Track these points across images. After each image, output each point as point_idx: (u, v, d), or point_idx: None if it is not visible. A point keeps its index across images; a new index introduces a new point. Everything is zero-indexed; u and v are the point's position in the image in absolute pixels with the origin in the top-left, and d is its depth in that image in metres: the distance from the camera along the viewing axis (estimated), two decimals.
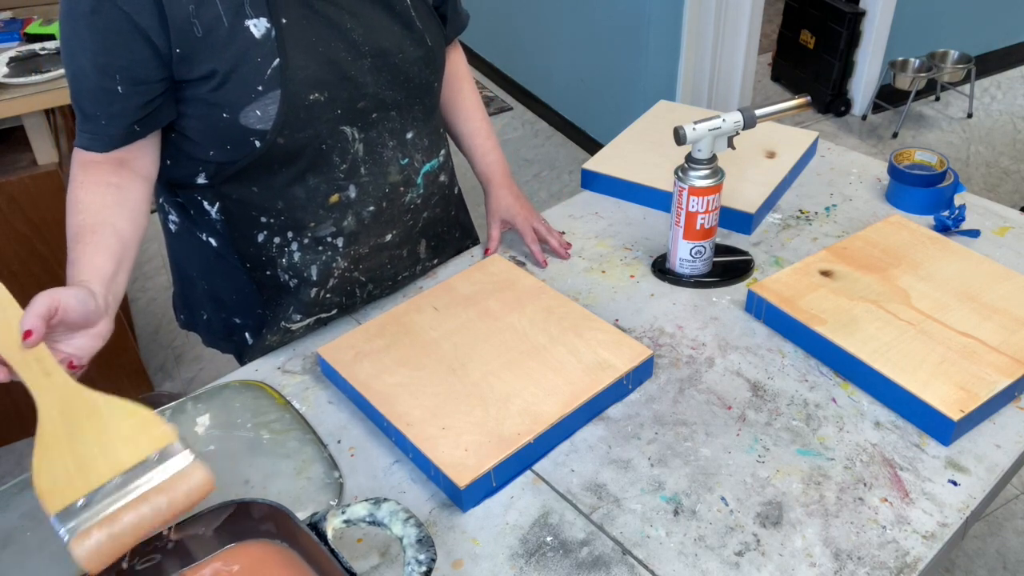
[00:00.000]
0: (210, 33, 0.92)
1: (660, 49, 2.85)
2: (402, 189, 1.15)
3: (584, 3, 3.09)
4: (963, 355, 1.03)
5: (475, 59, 4.07)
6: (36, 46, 1.97)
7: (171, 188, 1.11)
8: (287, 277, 1.14)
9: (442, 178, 1.23)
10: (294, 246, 1.11)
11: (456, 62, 1.31)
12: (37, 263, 1.97)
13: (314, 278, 1.13)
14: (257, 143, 0.99)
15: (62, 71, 1.83)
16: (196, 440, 1.00)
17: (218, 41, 0.93)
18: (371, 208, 1.13)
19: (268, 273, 1.14)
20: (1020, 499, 1.96)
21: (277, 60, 0.95)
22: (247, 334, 1.21)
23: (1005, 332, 1.06)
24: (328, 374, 1.10)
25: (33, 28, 2.06)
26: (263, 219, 1.09)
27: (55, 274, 2.00)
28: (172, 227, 1.17)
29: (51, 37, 2.04)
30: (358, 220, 1.13)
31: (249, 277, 1.15)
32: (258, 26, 0.94)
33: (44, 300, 0.76)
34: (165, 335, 2.58)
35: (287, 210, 1.08)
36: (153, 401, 2.23)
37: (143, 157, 1.00)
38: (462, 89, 1.31)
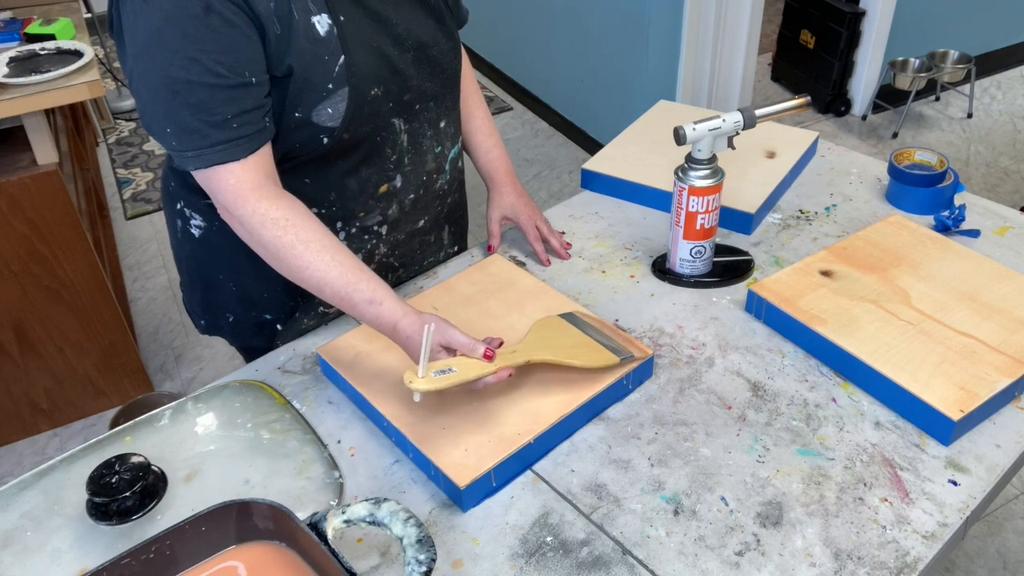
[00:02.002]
0: (287, 30, 0.93)
1: (660, 49, 2.85)
2: (435, 176, 1.20)
3: (584, 3, 3.08)
4: (963, 355, 1.03)
5: (475, 59, 4.07)
6: (36, 46, 1.97)
7: (201, 191, 1.10)
8: None
9: (460, 163, 1.28)
10: (341, 235, 1.14)
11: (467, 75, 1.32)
12: (37, 263, 1.97)
13: None
14: (325, 139, 1.02)
15: (62, 71, 1.83)
16: (196, 440, 1.00)
17: (294, 38, 0.94)
18: (411, 196, 1.17)
19: None
20: (1020, 499, 1.96)
21: (343, 57, 0.97)
22: (278, 326, 1.22)
23: (1005, 332, 1.06)
24: (328, 374, 1.10)
25: (33, 28, 2.06)
26: (313, 210, 1.10)
27: (55, 274, 1.99)
28: (196, 232, 1.17)
29: (51, 37, 2.04)
30: (400, 208, 1.17)
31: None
32: (322, 23, 0.96)
33: (462, 338, 0.92)
34: (165, 335, 2.57)
35: (339, 201, 1.10)
36: (153, 401, 2.23)
37: (274, 166, 0.99)
38: (464, 86, 1.31)
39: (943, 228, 1.30)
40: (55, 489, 0.95)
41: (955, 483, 0.93)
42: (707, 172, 1.14)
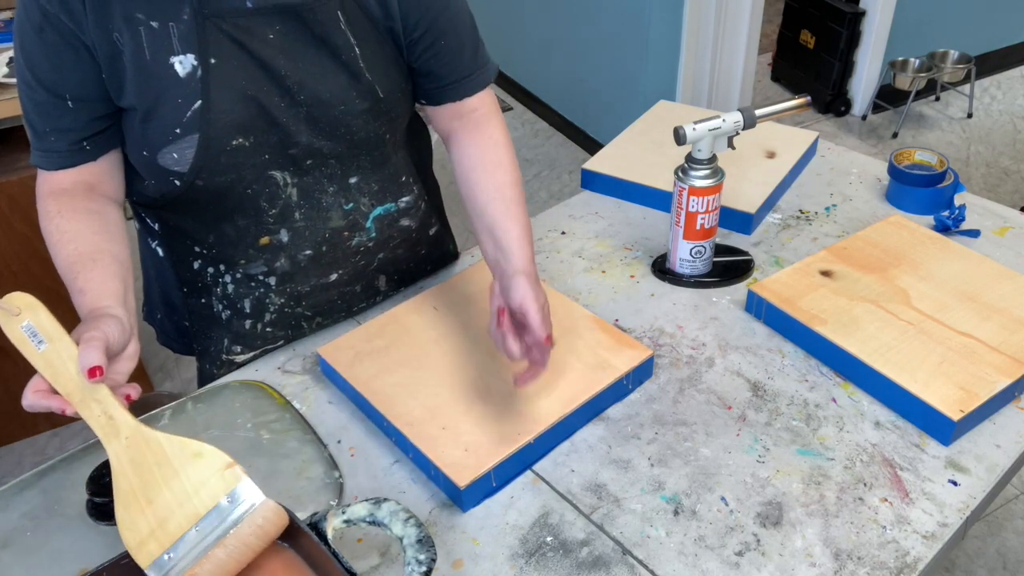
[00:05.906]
0: (132, 66, 0.89)
1: (660, 49, 2.85)
2: (347, 233, 1.10)
3: (584, 3, 3.09)
4: (963, 355, 1.03)
5: None
6: None
7: (131, 189, 1.10)
8: (221, 307, 1.12)
9: (405, 222, 1.16)
10: (227, 278, 1.10)
11: (484, 143, 1.05)
12: (37, 263, 1.97)
13: (247, 311, 1.12)
14: (177, 182, 0.97)
15: None
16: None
17: (139, 76, 0.89)
18: (308, 252, 1.08)
19: (203, 301, 1.13)
20: (1020, 499, 1.96)
21: (199, 102, 0.90)
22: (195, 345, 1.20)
23: (1005, 332, 1.06)
24: (328, 374, 1.10)
25: None
26: (196, 248, 1.08)
27: (55, 274, 1.99)
28: (135, 228, 1.17)
29: None
30: (293, 262, 1.09)
31: (183, 303, 1.14)
32: (184, 64, 0.89)
33: (96, 334, 0.74)
34: None
35: (218, 244, 1.06)
36: (153, 401, 2.23)
37: (109, 181, 0.98)
38: (494, 175, 1.03)
39: (943, 228, 1.30)
40: (55, 489, 0.95)
41: (955, 483, 0.93)
42: (707, 172, 1.14)
